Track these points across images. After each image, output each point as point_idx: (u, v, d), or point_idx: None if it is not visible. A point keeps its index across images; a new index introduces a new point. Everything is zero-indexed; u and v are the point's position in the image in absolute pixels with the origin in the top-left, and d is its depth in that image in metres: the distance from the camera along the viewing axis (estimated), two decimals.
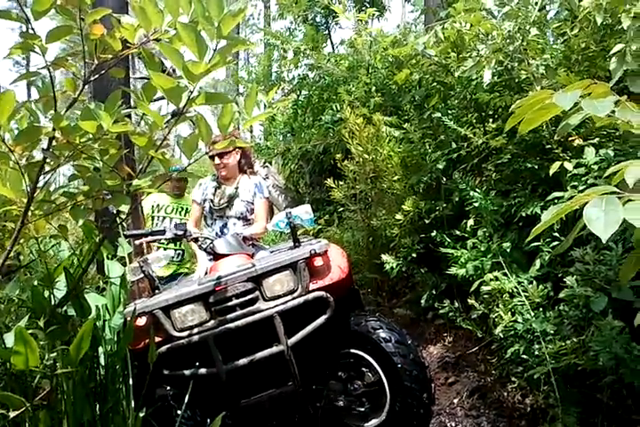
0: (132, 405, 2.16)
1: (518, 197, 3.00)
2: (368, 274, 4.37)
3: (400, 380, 2.50)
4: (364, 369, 2.61)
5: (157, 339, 2.36)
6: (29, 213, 1.86)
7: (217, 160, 3.40)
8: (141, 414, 2.16)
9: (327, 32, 6.75)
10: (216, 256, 2.92)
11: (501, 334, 2.68)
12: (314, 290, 2.51)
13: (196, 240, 3.08)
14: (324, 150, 5.64)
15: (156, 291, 2.66)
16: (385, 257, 3.64)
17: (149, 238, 3.05)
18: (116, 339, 2.25)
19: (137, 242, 3.42)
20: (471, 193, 3.06)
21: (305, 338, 2.45)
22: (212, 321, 2.43)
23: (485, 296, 2.81)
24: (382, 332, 2.59)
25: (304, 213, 2.84)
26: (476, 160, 3.25)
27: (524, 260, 2.91)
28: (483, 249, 3.00)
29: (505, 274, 2.81)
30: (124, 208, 1.75)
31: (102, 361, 2.14)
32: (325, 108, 5.86)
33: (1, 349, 1.83)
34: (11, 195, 1.86)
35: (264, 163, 6.76)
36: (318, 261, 2.56)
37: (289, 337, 2.42)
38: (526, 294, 2.66)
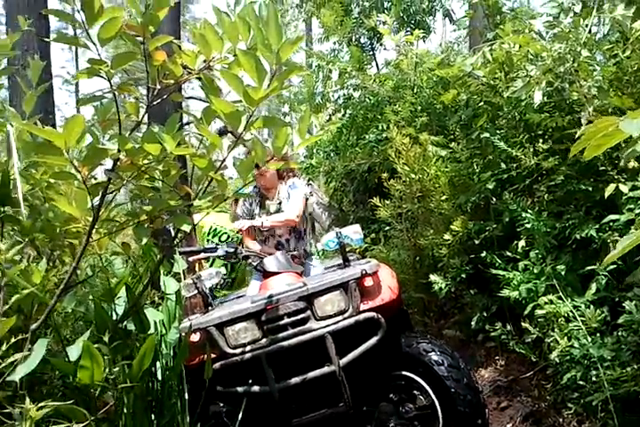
0: (187, 420, 2.19)
1: (572, 219, 2.95)
2: (414, 294, 4.33)
3: (453, 404, 2.46)
4: (415, 392, 2.58)
5: (211, 356, 2.38)
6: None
7: (254, 171, 3.35)
8: None
9: (372, 53, 6.81)
10: (266, 274, 2.94)
11: (557, 359, 2.61)
12: (365, 310, 2.51)
13: (246, 258, 3.11)
14: (368, 169, 5.66)
15: (209, 308, 2.70)
16: (433, 277, 3.60)
17: (202, 256, 3.09)
18: (172, 354, 2.30)
19: (190, 259, 3.48)
20: (523, 214, 3.02)
21: (356, 359, 2.44)
22: (265, 339, 2.45)
23: (540, 320, 2.75)
24: (434, 355, 2.55)
25: (353, 233, 2.86)
26: (527, 181, 3.21)
27: (578, 283, 2.85)
28: (536, 271, 2.95)
29: (560, 297, 2.75)
30: (186, 228, 1.79)
31: (159, 376, 2.17)
32: (370, 127, 5.89)
33: (64, 362, 1.88)
34: (76, 213, 1.93)
35: (308, 181, 6.82)
36: (369, 282, 2.56)
37: (340, 357, 2.42)
38: (582, 318, 2.60)
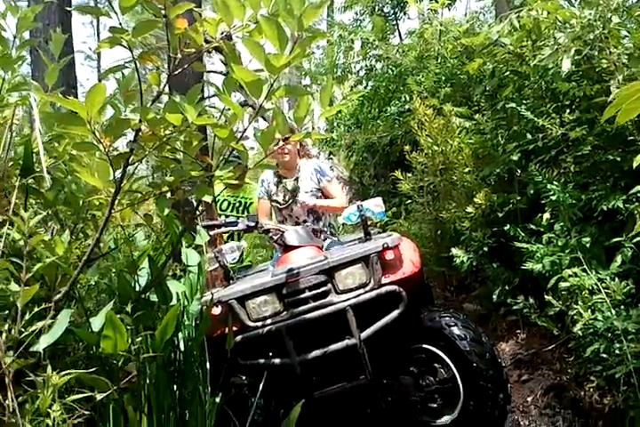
0: (209, 391, 2.22)
1: (598, 191, 2.89)
2: (435, 267, 4.31)
3: (475, 379, 2.46)
4: (436, 365, 2.58)
5: (233, 329, 2.39)
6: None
7: (280, 143, 3.19)
8: (217, 400, 2.22)
9: (395, 23, 6.67)
10: (286, 248, 2.94)
11: (580, 332, 2.59)
12: (386, 284, 2.50)
13: (267, 232, 3.10)
14: (390, 142, 5.59)
15: (230, 281, 2.71)
16: (455, 251, 3.58)
17: (222, 230, 3.10)
18: (194, 325, 2.32)
19: (211, 233, 3.46)
20: (548, 186, 2.96)
21: (377, 332, 2.45)
22: (285, 312, 2.46)
23: (563, 293, 2.72)
24: (457, 329, 2.54)
25: (375, 206, 2.82)
26: (553, 152, 3.14)
27: (603, 256, 2.81)
28: (560, 244, 2.91)
29: (584, 270, 2.72)
30: (208, 198, 1.79)
31: (182, 347, 2.20)
32: (392, 99, 5.80)
33: (88, 333, 1.91)
34: (98, 184, 1.93)
35: (329, 155, 6.78)
36: (390, 255, 2.54)
37: (361, 331, 2.41)
38: (607, 291, 2.56)
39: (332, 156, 6.97)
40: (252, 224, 3.05)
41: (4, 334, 1.25)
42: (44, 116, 2.26)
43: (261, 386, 2.32)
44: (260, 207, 3.62)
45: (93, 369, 1.71)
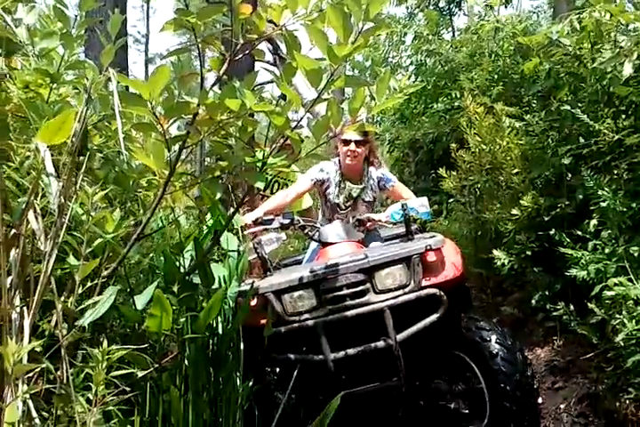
0: (241, 375, 2.23)
1: None
2: (473, 268, 4.25)
3: (501, 399, 2.38)
4: (468, 374, 2.52)
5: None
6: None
7: (352, 146, 3.13)
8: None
9: (449, 18, 6.57)
10: (324, 244, 2.91)
11: (622, 342, 2.53)
12: (426, 286, 2.45)
13: (303, 228, 3.05)
14: (434, 139, 5.54)
15: (268, 273, 2.68)
16: (496, 252, 3.53)
17: (257, 228, 2.98)
18: (232, 310, 2.34)
19: (245, 232, 3.33)
20: (599, 191, 2.89)
21: (413, 335, 2.40)
22: (322, 309, 2.42)
23: (607, 301, 2.66)
24: (491, 345, 2.44)
25: (420, 205, 2.75)
26: (608, 157, 3.06)
27: None
28: (607, 252, 2.83)
29: (630, 280, 2.65)
30: (260, 185, 1.80)
31: (220, 330, 2.22)
32: (440, 95, 5.74)
33: (132, 310, 1.95)
34: (153, 165, 1.96)
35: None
36: (432, 257, 2.50)
37: (398, 332, 2.37)
38: None
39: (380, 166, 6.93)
40: (287, 221, 2.97)
41: (59, 307, 1.28)
42: (102, 95, 2.29)
43: (292, 381, 2.32)
44: (299, 184, 3.36)
45: (136, 347, 1.74)
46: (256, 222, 2.96)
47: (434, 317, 2.41)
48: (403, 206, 2.72)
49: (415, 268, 2.42)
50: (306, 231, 3.07)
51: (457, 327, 2.57)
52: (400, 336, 2.37)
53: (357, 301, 2.40)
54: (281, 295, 2.45)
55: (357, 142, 3.15)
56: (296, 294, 2.45)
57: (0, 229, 1.10)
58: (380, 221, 3.04)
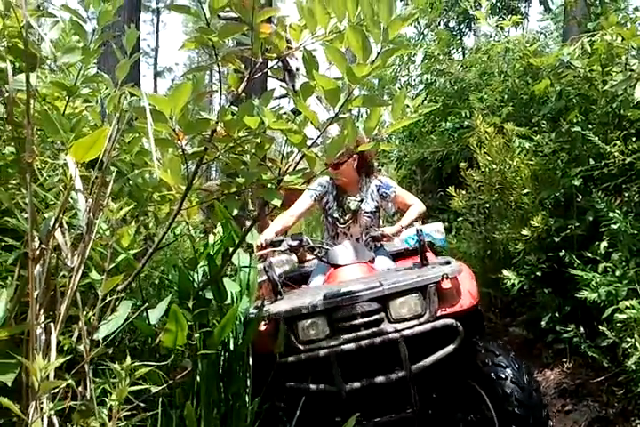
0: (251, 392, 2.21)
1: None
2: (481, 288, 4.22)
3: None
4: (482, 406, 2.41)
5: (278, 349, 2.32)
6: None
7: (331, 171, 2.96)
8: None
9: (460, 38, 6.63)
10: (334, 265, 2.85)
11: (633, 366, 2.52)
12: (442, 316, 2.37)
13: (312, 249, 3.01)
14: (443, 158, 5.56)
15: (279, 296, 2.59)
16: (506, 272, 3.51)
17: (266, 251, 2.93)
18: (243, 326, 2.33)
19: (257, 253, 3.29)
20: (610, 214, 2.90)
21: (427, 366, 2.33)
22: (335, 338, 2.33)
23: (618, 324, 2.65)
24: (507, 383, 2.31)
25: (436, 231, 2.68)
26: (619, 180, 3.07)
27: None
28: (617, 274, 2.83)
29: None
30: (277, 202, 1.80)
31: (231, 346, 2.22)
32: (448, 114, 5.78)
33: (146, 324, 1.94)
34: (170, 180, 1.97)
35: (379, 166, 6.77)
36: (447, 284, 2.40)
37: (412, 363, 2.30)
38: None
39: (380, 167, 6.97)
40: (296, 243, 2.92)
41: (82, 322, 1.28)
42: (114, 109, 2.31)
43: (299, 411, 2.23)
44: (301, 202, 3.27)
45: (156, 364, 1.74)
46: (266, 244, 2.91)
47: (450, 348, 2.34)
48: (418, 232, 2.64)
49: (431, 297, 2.35)
50: (315, 253, 3.01)
51: (472, 356, 2.48)
52: (415, 367, 2.30)
53: (372, 330, 2.32)
54: (293, 322, 2.37)
55: (335, 166, 3.06)
56: (309, 321, 2.36)
57: (30, 244, 1.11)
58: (395, 234, 3.00)
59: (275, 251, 3.01)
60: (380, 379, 2.29)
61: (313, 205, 3.32)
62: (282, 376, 2.34)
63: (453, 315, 2.39)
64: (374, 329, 2.32)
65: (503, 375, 2.34)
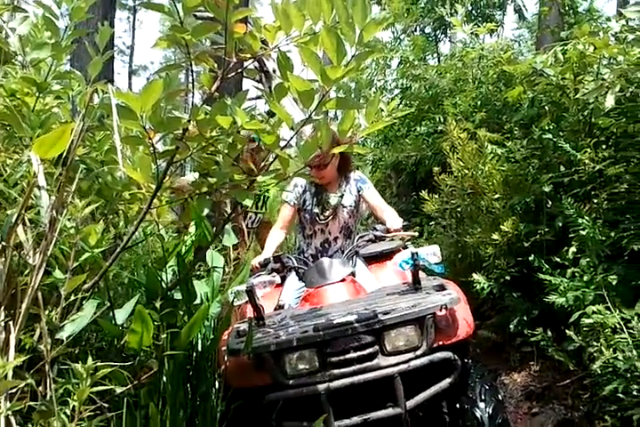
0: (220, 394, 2.19)
1: (629, 230, 2.86)
2: None
3: None
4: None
5: (263, 383, 2.20)
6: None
7: (314, 172, 3.03)
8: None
9: (435, 44, 6.69)
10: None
11: (599, 370, 2.55)
12: (438, 348, 2.26)
13: (295, 270, 2.96)
14: (417, 162, 5.59)
15: (260, 321, 2.41)
16: (476, 276, 3.55)
17: (264, 272, 2.89)
18: (212, 327, 2.31)
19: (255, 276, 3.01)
20: (578, 220, 2.95)
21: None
22: (326, 372, 2.18)
23: (585, 329, 2.69)
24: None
25: (432, 255, 2.56)
26: (589, 187, 3.12)
27: (630, 295, 2.77)
28: (585, 279, 2.88)
29: (608, 308, 2.69)
30: (248, 202, 1.79)
31: (199, 347, 2.19)
32: (423, 119, 5.83)
33: (112, 325, 1.91)
34: (139, 179, 1.94)
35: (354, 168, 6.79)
36: (444, 314, 2.30)
37: (407, 398, 2.16)
38: (631, 331, 2.53)
39: (355, 170, 6.99)
40: (277, 266, 2.87)
41: (43, 321, 1.25)
42: (85, 107, 2.27)
43: None
44: (284, 213, 3.23)
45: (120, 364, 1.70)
46: (261, 265, 2.89)
47: (446, 382, 2.23)
48: (412, 255, 2.47)
49: (428, 329, 2.21)
50: (295, 272, 2.94)
51: (464, 385, 2.40)
52: (410, 403, 2.17)
53: (366, 365, 2.17)
54: (280, 354, 2.19)
55: (319, 167, 3.03)
56: (297, 354, 2.19)
57: None
58: (397, 230, 2.91)
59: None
60: (373, 416, 2.15)
61: (295, 210, 3.24)
62: (268, 414, 2.20)
63: (450, 346, 2.29)
64: (368, 364, 2.18)
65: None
